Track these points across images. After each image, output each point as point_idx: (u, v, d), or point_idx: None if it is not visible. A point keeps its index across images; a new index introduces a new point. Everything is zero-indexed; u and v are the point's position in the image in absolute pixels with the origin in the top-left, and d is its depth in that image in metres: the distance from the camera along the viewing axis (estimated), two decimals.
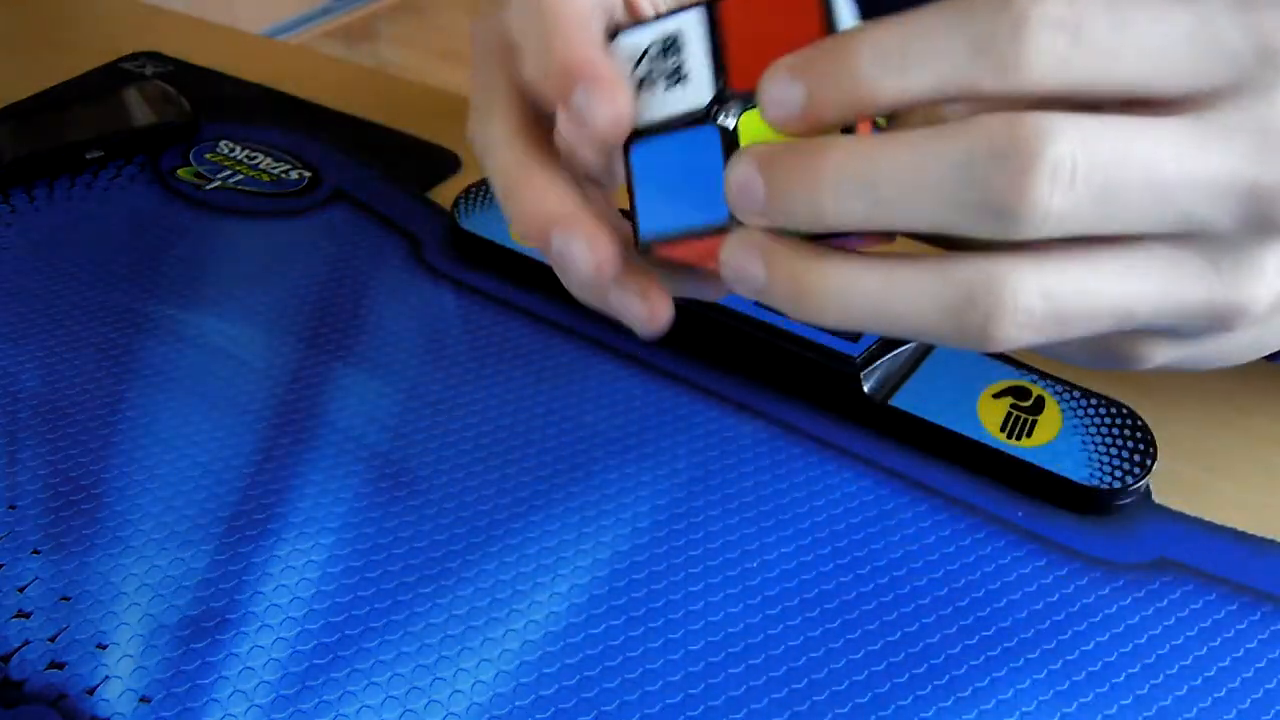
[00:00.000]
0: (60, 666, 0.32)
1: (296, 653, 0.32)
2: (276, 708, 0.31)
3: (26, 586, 0.34)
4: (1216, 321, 0.24)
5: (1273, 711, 0.31)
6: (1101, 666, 0.32)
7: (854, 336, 0.41)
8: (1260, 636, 0.33)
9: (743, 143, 0.23)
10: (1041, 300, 0.22)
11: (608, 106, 0.24)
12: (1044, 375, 0.40)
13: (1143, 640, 0.33)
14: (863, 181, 0.22)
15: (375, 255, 0.48)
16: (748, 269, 0.23)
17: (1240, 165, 0.22)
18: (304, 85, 0.61)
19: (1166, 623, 0.33)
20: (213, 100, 0.59)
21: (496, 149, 0.28)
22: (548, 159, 0.27)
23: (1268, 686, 0.32)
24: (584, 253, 0.25)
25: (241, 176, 0.53)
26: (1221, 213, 0.22)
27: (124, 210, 0.51)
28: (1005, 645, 0.33)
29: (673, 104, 0.24)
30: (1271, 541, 0.36)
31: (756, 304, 0.42)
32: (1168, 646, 0.33)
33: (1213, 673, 0.32)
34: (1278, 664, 0.32)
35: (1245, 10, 0.22)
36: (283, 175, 0.53)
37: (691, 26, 0.23)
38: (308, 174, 0.53)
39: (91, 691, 0.31)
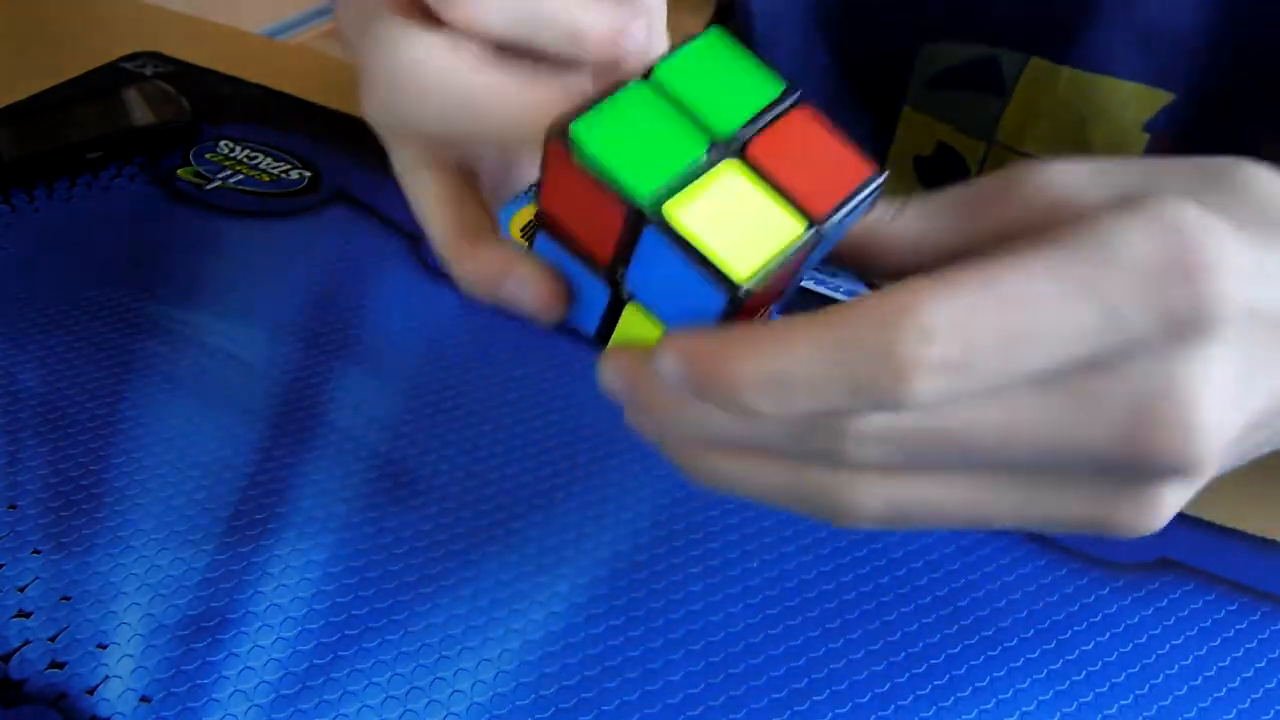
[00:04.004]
0: (60, 666, 0.32)
1: (297, 652, 0.32)
2: (277, 707, 0.31)
3: (26, 586, 0.34)
4: (1107, 532, 0.24)
5: (1273, 711, 0.31)
6: (1101, 666, 0.32)
7: None
8: (1260, 636, 0.33)
9: (623, 319, 0.25)
10: (884, 507, 0.23)
11: (535, 300, 0.26)
12: None
13: (1143, 640, 0.33)
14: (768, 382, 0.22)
15: (375, 255, 0.48)
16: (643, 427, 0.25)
17: (1102, 434, 0.22)
18: (304, 85, 0.61)
19: (1166, 623, 0.33)
20: (213, 100, 0.59)
21: (431, 220, 0.29)
22: (479, 226, 0.28)
23: (1268, 686, 0.32)
24: (530, 297, 0.26)
25: (241, 176, 0.53)
26: (1084, 466, 0.22)
27: (124, 210, 0.51)
28: (1005, 645, 0.33)
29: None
30: (1271, 541, 0.36)
31: None
32: (1168, 646, 0.33)
33: (1213, 673, 0.32)
34: (1278, 664, 0.32)
35: (1156, 288, 0.20)
36: (283, 175, 0.53)
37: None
38: (308, 174, 0.53)
39: (91, 691, 0.31)
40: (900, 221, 0.25)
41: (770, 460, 0.24)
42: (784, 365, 0.21)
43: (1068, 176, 0.24)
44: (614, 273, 0.23)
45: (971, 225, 0.24)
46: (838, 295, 0.43)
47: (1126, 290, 0.20)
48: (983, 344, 0.20)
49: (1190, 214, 0.21)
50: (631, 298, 0.24)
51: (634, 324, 0.24)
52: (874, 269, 0.25)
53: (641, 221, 0.21)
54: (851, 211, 0.23)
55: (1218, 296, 0.20)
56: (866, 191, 0.23)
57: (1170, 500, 0.23)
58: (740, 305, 0.21)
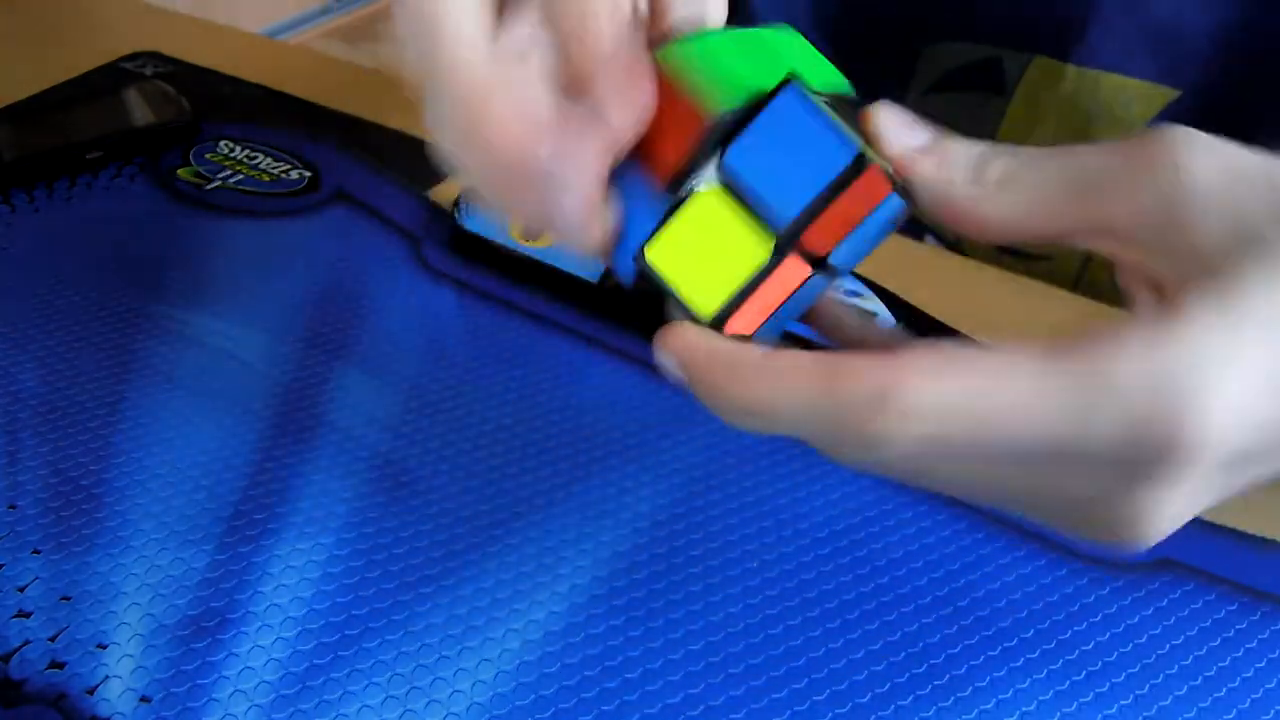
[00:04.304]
0: (60, 666, 0.32)
1: (297, 652, 0.32)
2: (277, 707, 0.31)
3: (26, 586, 0.34)
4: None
5: (1273, 711, 0.31)
6: (1101, 666, 0.32)
7: None
8: (1260, 636, 0.33)
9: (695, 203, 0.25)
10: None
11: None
12: None
13: (1143, 640, 0.33)
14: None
15: (375, 255, 0.48)
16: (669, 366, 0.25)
17: (1053, 514, 0.24)
18: (304, 85, 0.61)
19: (1166, 623, 0.33)
20: (213, 100, 0.59)
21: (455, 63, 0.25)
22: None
23: (1268, 686, 0.32)
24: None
25: (241, 176, 0.53)
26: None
27: (124, 210, 0.51)
28: (1005, 645, 0.33)
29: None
30: (1271, 541, 0.36)
31: None
32: (1168, 646, 0.33)
33: (1213, 673, 0.32)
34: (1278, 664, 0.32)
35: (1132, 434, 0.20)
36: (283, 175, 0.53)
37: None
38: (308, 174, 0.53)
39: (91, 691, 0.31)
40: (1004, 199, 0.23)
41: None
42: (769, 402, 0.22)
43: (1206, 180, 0.22)
44: (682, 179, 0.25)
45: (1083, 212, 0.23)
46: (837, 295, 0.43)
47: (1104, 427, 0.20)
48: (955, 430, 0.21)
49: (1210, 364, 0.20)
50: (715, 182, 0.24)
51: (706, 211, 0.25)
52: (966, 237, 0.24)
53: (784, 84, 0.24)
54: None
55: (1190, 459, 0.20)
56: (893, 204, 0.24)
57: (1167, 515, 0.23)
58: (861, 170, 0.23)
